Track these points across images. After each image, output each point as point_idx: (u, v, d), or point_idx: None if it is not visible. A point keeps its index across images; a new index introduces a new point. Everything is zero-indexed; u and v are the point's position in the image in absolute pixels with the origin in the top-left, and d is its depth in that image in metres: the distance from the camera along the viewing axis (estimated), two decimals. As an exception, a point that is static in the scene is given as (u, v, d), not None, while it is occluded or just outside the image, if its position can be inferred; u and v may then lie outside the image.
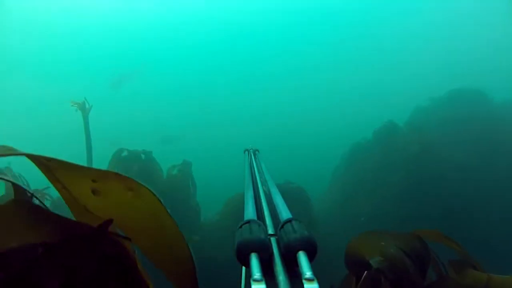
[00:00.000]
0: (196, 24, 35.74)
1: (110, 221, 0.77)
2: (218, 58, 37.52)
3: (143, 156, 6.54)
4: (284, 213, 1.04)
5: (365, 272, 1.53)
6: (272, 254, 0.82)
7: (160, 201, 0.82)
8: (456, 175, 7.62)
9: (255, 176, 1.72)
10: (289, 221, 0.89)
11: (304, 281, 0.67)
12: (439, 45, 31.22)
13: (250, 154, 2.46)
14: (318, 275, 0.68)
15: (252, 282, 0.67)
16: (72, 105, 5.36)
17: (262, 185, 1.54)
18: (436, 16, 30.46)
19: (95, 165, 5.35)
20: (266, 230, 0.90)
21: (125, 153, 6.33)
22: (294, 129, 32.05)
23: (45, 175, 0.82)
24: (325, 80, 34.62)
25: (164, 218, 0.85)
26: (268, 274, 0.74)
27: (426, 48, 31.98)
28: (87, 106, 5.43)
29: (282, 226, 0.88)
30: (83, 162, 5.20)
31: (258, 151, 2.64)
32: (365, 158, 9.18)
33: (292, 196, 7.15)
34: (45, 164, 0.78)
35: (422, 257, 1.66)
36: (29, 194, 1.07)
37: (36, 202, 1.09)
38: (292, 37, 36.98)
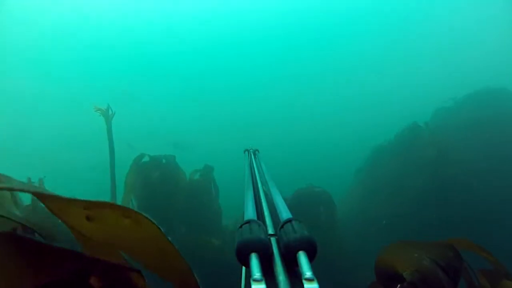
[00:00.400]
0: (202, 27, 36.21)
1: (97, 260, 0.74)
2: (236, 61, 37.72)
3: (164, 161, 6.57)
4: (284, 213, 1.03)
5: (398, 286, 1.48)
6: (272, 254, 0.82)
7: (159, 228, 0.82)
8: (480, 179, 7.21)
9: (255, 176, 1.72)
10: (289, 221, 0.89)
11: (304, 281, 0.67)
12: (463, 45, 30.22)
13: (250, 154, 2.45)
14: (318, 275, 0.68)
15: (252, 282, 0.67)
16: (95, 111, 5.49)
17: (262, 185, 1.54)
18: (459, 17, 29.45)
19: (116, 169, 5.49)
20: (266, 230, 0.90)
21: (146, 159, 6.35)
22: (316, 132, 31.65)
23: (41, 202, 0.82)
24: (345, 83, 34.17)
25: (164, 244, 0.84)
26: (268, 274, 0.74)
27: (449, 49, 31.05)
28: (110, 112, 5.56)
29: (282, 226, 0.88)
30: (105, 167, 5.40)
31: (258, 151, 2.63)
32: (387, 161, 8.90)
33: (315, 200, 6.98)
34: (37, 194, 0.76)
35: (454, 267, 1.59)
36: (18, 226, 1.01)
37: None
38: (314, 38, 36.80)
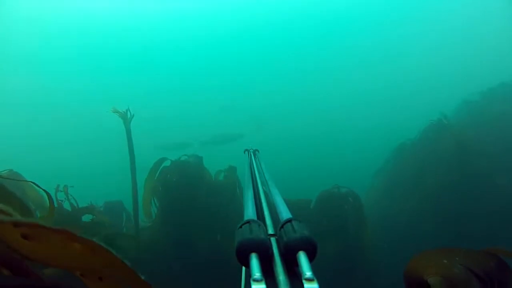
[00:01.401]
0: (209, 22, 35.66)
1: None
2: (243, 57, 37.50)
3: (187, 162, 6.31)
4: (284, 213, 1.04)
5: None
6: (272, 254, 0.83)
7: (118, 257, 0.75)
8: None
9: (255, 176, 1.72)
10: (289, 221, 0.89)
11: (304, 281, 0.67)
12: (488, 36, 28.69)
13: (250, 154, 2.46)
14: (318, 276, 0.68)
15: (252, 282, 0.68)
16: (112, 112, 5.48)
17: (262, 185, 1.54)
18: (482, 7, 28.01)
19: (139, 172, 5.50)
20: (266, 230, 0.91)
21: (167, 162, 6.16)
22: (335, 132, 30.77)
23: None
24: (364, 81, 33.24)
25: (117, 264, 0.77)
26: (268, 274, 0.75)
27: (473, 41, 29.87)
28: (129, 115, 5.58)
29: (282, 226, 0.89)
30: (126, 168, 5.46)
31: (258, 151, 2.64)
32: (409, 160, 8.46)
33: (342, 202, 6.44)
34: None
35: (497, 279, 1.48)
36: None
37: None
38: (338, 32, 36.10)
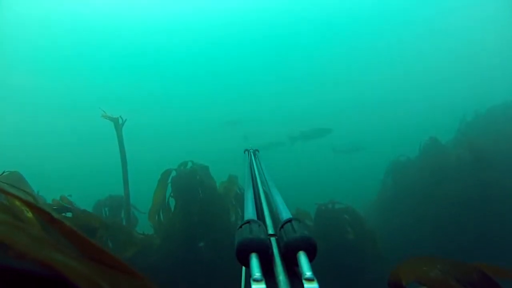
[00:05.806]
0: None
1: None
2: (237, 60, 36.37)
3: (194, 172, 6.10)
4: (284, 213, 1.04)
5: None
6: (272, 254, 0.83)
7: None
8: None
9: (255, 176, 1.73)
10: (289, 221, 0.90)
11: (304, 281, 0.67)
12: (487, 55, 28.65)
13: (250, 154, 2.48)
14: (318, 276, 0.68)
15: (252, 282, 0.68)
16: (103, 117, 5.41)
17: (262, 185, 1.55)
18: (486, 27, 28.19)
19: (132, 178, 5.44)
20: (266, 230, 0.91)
21: (173, 173, 5.98)
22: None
23: None
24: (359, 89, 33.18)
25: None
26: (268, 274, 0.75)
27: (482, 51, 29.49)
28: (120, 121, 5.53)
29: (282, 226, 0.89)
30: (118, 171, 5.35)
31: (258, 151, 2.66)
32: (406, 179, 8.32)
33: (339, 219, 6.15)
34: None
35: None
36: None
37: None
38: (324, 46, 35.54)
